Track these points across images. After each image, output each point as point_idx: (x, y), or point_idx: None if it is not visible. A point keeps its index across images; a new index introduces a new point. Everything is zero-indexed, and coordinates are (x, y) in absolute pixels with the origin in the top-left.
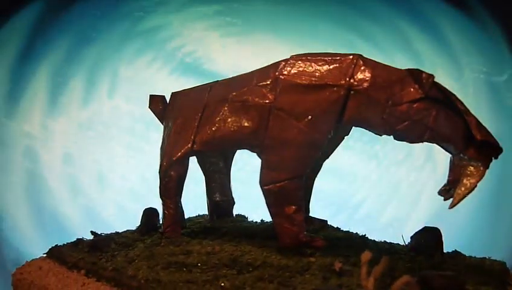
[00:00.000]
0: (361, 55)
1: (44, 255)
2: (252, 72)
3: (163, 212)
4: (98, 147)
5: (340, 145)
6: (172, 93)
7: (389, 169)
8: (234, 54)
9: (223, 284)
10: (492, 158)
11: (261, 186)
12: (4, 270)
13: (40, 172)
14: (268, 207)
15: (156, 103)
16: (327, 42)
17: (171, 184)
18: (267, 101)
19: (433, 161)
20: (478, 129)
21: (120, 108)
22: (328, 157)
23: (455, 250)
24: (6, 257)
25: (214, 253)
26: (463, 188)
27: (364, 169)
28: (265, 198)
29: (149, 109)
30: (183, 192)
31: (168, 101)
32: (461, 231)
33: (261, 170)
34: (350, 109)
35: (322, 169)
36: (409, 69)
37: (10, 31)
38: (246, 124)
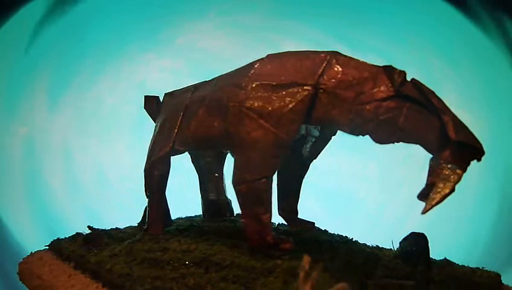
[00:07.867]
0: (336, 52)
1: (47, 247)
2: (231, 71)
3: (147, 210)
4: (99, 147)
5: (339, 146)
6: (165, 94)
7: (390, 169)
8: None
9: (188, 282)
10: (471, 161)
11: (233, 187)
12: (4, 269)
13: (40, 172)
14: (240, 207)
15: (150, 104)
16: None
17: (153, 182)
18: (238, 101)
19: None
20: (455, 129)
21: (120, 108)
22: (316, 158)
23: (445, 258)
24: (6, 256)
25: (188, 251)
26: (437, 194)
27: (364, 169)
28: (237, 198)
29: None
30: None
31: (162, 101)
32: (465, 228)
33: (233, 170)
34: (317, 109)
35: (322, 169)
36: (384, 66)
37: (10, 30)
38: (218, 124)
